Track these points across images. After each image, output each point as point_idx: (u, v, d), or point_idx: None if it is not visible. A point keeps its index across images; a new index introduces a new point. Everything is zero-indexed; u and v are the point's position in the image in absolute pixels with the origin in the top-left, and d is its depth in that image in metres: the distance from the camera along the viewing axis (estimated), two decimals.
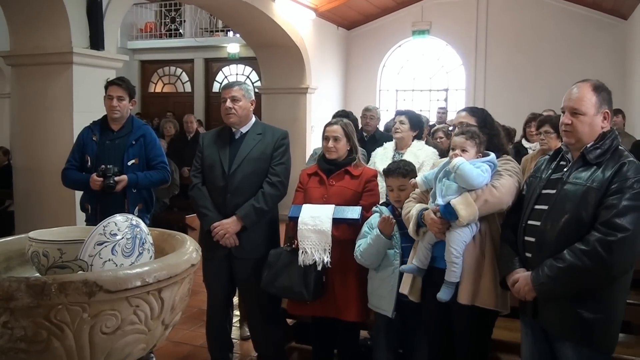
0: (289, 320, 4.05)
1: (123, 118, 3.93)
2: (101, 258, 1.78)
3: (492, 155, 2.71)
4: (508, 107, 9.68)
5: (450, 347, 2.80)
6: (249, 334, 4.40)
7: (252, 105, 3.56)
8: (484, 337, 2.79)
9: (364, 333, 3.86)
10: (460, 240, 2.59)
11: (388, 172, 3.21)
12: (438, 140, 6.05)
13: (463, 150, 2.68)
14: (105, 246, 1.79)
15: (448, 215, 2.57)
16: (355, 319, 3.30)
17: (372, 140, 5.37)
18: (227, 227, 3.40)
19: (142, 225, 1.92)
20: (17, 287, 1.55)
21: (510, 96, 10.16)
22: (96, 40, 5.36)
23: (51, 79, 5.27)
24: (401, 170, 3.14)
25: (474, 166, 2.60)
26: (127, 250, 1.81)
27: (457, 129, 2.89)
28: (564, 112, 2.40)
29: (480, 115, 2.94)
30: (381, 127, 6.43)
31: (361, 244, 3.14)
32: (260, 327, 3.63)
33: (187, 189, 7.20)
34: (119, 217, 1.88)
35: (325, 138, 3.43)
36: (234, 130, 3.56)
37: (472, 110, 3.01)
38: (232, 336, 3.93)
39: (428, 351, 2.96)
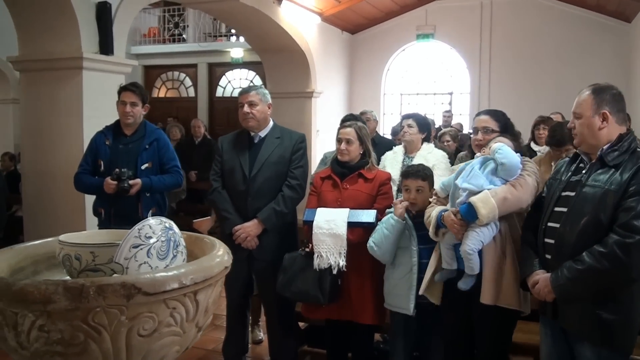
0: (300, 324, 4.06)
1: (136, 123, 3.95)
2: (137, 261, 1.79)
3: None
4: (512, 110, 9.51)
5: (469, 348, 2.82)
6: (260, 337, 4.42)
7: (269, 108, 3.62)
8: (505, 338, 2.80)
9: (376, 336, 3.87)
10: (476, 238, 2.61)
11: (407, 174, 3.20)
12: (445, 143, 6.08)
13: None
14: (141, 249, 1.80)
15: (469, 216, 2.59)
16: (371, 321, 3.30)
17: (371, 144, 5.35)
18: (249, 230, 3.43)
19: (175, 228, 1.93)
20: (54, 289, 1.55)
21: (515, 99, 10.15)
22: (105, 45, 5.37)
23: (61, 84, 5.26)
24: (421, 174, 3.15)
25: None
26: (162, 253, 1.82)
27: (480, 133, 2.90)
28: None
29: (502, 120, 2.96)
30: (386, 132, 6.36)
31: (375, 233, 3.12)
32: (279, 329, 3.64)
33: (194, 194, 7.25)
34: (152, 221, 1.89)
35: (339, 140, 3.44)
36: (252, 134, 3.60)
37: (495, 114, 3.00)
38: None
39: (444, 352, 2.97)
